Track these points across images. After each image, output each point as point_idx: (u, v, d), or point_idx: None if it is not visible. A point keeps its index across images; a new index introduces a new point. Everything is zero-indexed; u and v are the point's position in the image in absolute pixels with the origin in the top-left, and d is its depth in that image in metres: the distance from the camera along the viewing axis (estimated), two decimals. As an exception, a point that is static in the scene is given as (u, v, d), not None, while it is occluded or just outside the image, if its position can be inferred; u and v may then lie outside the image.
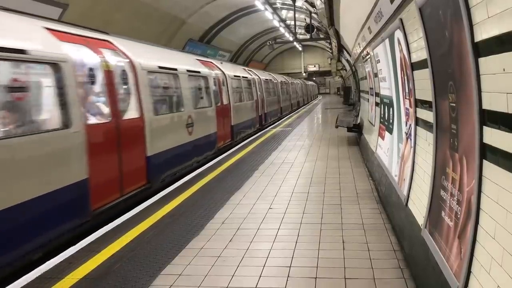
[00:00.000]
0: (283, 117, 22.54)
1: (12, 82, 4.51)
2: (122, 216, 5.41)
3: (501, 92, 1.89)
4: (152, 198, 6.32)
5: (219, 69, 12.29)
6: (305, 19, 24.76)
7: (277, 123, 19.10)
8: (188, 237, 4.62)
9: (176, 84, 8.59)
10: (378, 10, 5.21)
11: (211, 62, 12.08)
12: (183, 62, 9.69)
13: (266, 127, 17.19)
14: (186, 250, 4.27)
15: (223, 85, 12.11)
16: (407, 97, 4.43)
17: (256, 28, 30.43)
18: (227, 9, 22.35)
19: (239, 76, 14.37)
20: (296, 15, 22.18)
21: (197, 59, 10.93)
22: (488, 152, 2.11)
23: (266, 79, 19.88)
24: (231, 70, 13.81)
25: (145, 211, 5.64)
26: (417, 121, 3.97)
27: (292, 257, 4.01)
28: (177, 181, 7.43)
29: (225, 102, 12.08)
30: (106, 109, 6.03)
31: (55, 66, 4.88)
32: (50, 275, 3.76)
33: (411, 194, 4.05)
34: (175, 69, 8.57)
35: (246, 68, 17.63)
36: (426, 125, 3.57)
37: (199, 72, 10.15)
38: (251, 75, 16.85)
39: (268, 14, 22.56)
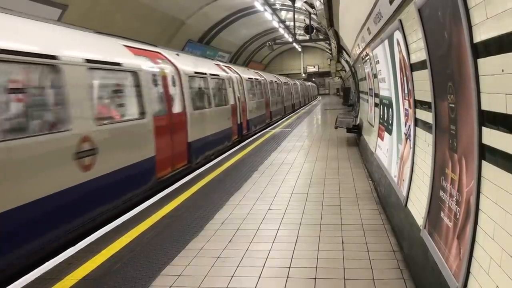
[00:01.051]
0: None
1: None
2: (122, 217, 5.41)
3: (500, 93, 1.90)
4: (152, 198, 6.32)
5: (169, 62, 8.61)
6: (304, 20, 24.82)
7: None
8: (188, 238, 4.62)
9: (55, 84, 4.94)
10: (377, 11, 5.21)
11: (155, 52, 8.35)
12: (86, 46, 6.02)
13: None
14: (186, 251, 4.27)
15: (174, 86, 8.45)
16: (407, 98, 4.43)
17: (255, 29, 30.44)
18: (227, 10, 22.36)
19: (204, 74, 10.73)
20: (296, 16, 22.19)
21: (126, 45, 7.12)
22: (487, 153, 2.11)
23: (249, 78, 16.51)
24: (191, 65, 10.15)
25: (144, 211, 5.64)
26: (416, 122, 3.97)
27: (292, 258, 4.01)
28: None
29: (177, 109, 8.43)
30: None
31: None
32: (50, 276, 3.76)
33: (411, 195, 4.06)
34: (53, 57, 4.90)
35: (221, 64, 14.00)
36: (425, 126, 3.58)
37: (118, 64, 6.38)
38: (227, 72, 13.24)
39: (268, 15, 22.58)
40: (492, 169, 2.05)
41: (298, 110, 29.74)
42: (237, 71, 14.99)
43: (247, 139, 13.73)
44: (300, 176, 7.64)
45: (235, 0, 21.11)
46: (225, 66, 14.16)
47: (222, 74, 12.57)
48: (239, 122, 13.73)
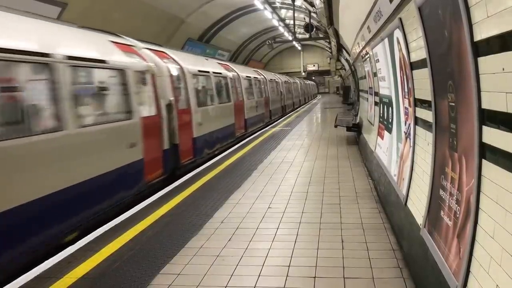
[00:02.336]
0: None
1: None
2: (121, 216, 5.41)
3: (500, 91, 1.89)
4: (152, 197, 6.32)
5: None
6: (304, 19, 24.79)
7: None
8: (187, 236, 4.61)
9: None
10: (377, 10, 5.20)
11: None
12: None
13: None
14: (185, 249, 4.26)
15: None
16: (406, 97, 4.43)
17: (255, 28, 30.44)
18: (226, 8, 22.36)
19: (48, 56, 4.66)
20: (296, 15, 22.18)
21: None
22: (487, 152, 2.10)
23: (202, 72, 10.68)
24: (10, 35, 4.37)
25: (144, 210, 5.63)
26: (416, 120, 3.96)
27: (291, 257, 4.01)
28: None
29: None
30: None
31: None
32: (49, 275, 3.75)
33: (410, 194, 4.05)
34: None
35: (140, 45, 7.96)
36: (426, 124, 3.57)
37: None
38: (144, 59, 7.39)
39: (267, 13, 22.59)
40: (492, 168, 2.05)
41: (297, 109, 29.54)
42: (176, 59, 9.21)
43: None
44: (299, 175, 7.63)
45: (234, -2, 21.15)
46: (152, 50, 8.28)
47: (119, 61, 6.46)
48: (167, 147, 7.77)
